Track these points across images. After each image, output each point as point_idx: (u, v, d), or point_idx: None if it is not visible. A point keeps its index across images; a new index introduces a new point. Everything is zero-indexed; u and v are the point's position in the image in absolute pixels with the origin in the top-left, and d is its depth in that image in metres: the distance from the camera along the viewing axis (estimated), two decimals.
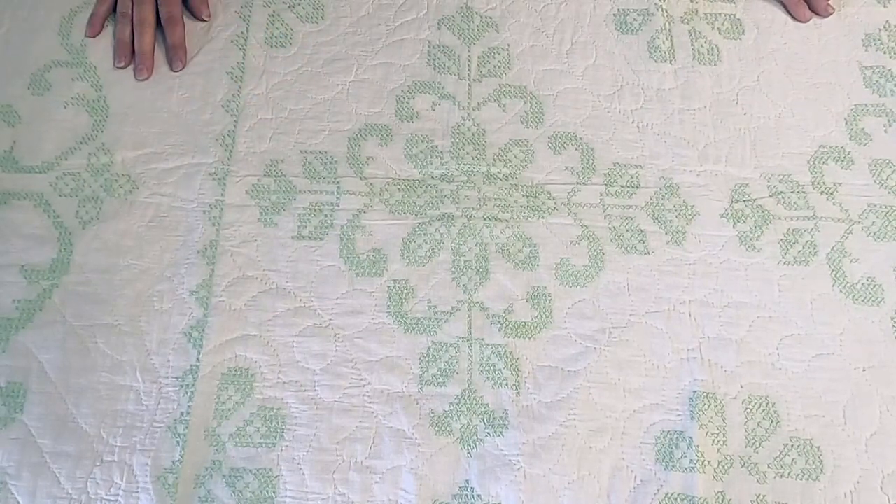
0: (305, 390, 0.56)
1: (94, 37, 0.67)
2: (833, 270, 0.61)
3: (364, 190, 0.62)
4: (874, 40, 0.70)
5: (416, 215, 0.62)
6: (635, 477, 0.54)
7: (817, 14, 0.71)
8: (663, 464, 0.54)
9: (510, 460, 0.54)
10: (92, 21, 0.68)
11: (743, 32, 0.70)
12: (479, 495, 0.53)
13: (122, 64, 0.66)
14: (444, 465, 0.54)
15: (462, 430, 0.55)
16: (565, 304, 0.59)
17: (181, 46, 0.66)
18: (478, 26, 0.70)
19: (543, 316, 0.58)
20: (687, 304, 0.59)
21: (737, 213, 0.62)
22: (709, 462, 0.54)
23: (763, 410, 0.56)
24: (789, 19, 0.71)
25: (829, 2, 0.71)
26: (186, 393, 0.55)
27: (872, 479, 0.54)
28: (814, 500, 0.53)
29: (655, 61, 0.69)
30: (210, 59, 0.67)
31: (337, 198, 0.62)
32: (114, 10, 0.68)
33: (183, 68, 0.66)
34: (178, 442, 0.54)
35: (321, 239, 0.61)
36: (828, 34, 0.71)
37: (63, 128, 0.64)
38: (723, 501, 0.53)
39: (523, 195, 0.63)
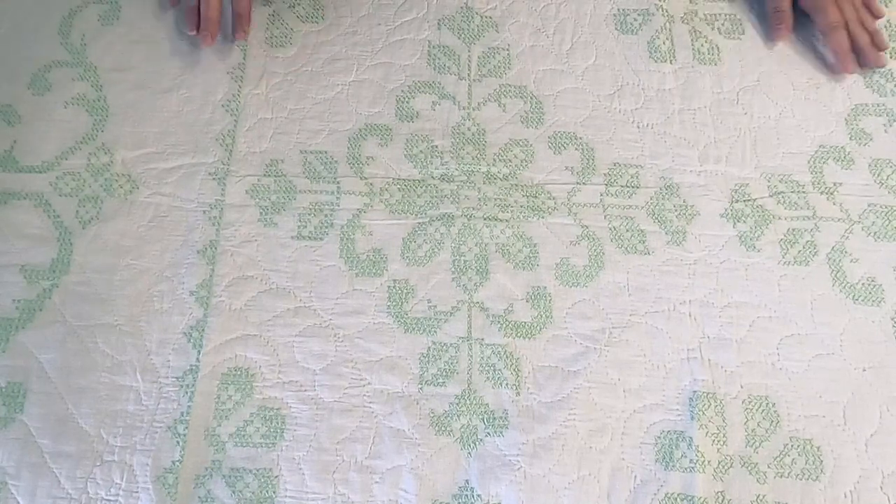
0: (305, 390, 0.56)
1: (175, 5, 0.68)
2: (833, 270, 0.61)
3: (364, 190, 0.62)
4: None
5: (416, 215, 0.62)
6: (635, 477, 0.54)
7: (866, 66, 0.69)
8: (663, 464, 0.54)
9: (510, 460, 0.54)
10: (189, 18, 0.66)
11: (743, 32, 0.70)
12: (479, 495, 0.53)
13: (194, 31, 0.65)
14: (444, 465, 0.54)
15: (462, 430, 0.55)
16: (565, 304, 0.59)
17: (246, 15, 0.66)
18: (478, 26, 0.70)
19: (543, 316, 0.58)
20: (687, 304, 0.59)
21: (737, 213, 0.62)
22: (709, 462, 0.54)
23: (763, 410, 0.56)
24: None
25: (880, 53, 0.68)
26: (186, 393, 0.55)
27: (872, 479, 0.54)
28: (814, 500, 0.53)
29: (655, 61, 0.69)
30: (210, 59, 0.67)
31: (337, 198, 0.62)
32: None
33: (245, 38, 0.66)
34: (178, 442, 0.54)
35: (321, 239, 0.61)
36: None
37: (63, 128, 0.64)
38: (723, 501, 0.53)
39: (523, 195, 0.63)
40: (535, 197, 0.63)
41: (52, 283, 0.58)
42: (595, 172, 0.64)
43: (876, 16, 0.70)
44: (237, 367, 0.56)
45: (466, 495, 0.53)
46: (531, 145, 0.65)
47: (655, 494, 0.53)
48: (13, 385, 0.55)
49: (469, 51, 0.69)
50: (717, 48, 0.70)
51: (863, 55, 0.68)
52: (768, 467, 0.54)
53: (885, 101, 0.68)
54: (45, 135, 0.63)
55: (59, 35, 0.68)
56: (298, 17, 0.70)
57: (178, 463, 0.53)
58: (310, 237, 0.61)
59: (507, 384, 0.56)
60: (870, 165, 0.65)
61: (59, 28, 0.68)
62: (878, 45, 0.69)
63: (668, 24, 0.71)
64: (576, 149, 0.65)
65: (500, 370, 0.56)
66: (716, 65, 0.69)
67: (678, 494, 0.53)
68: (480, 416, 0.55)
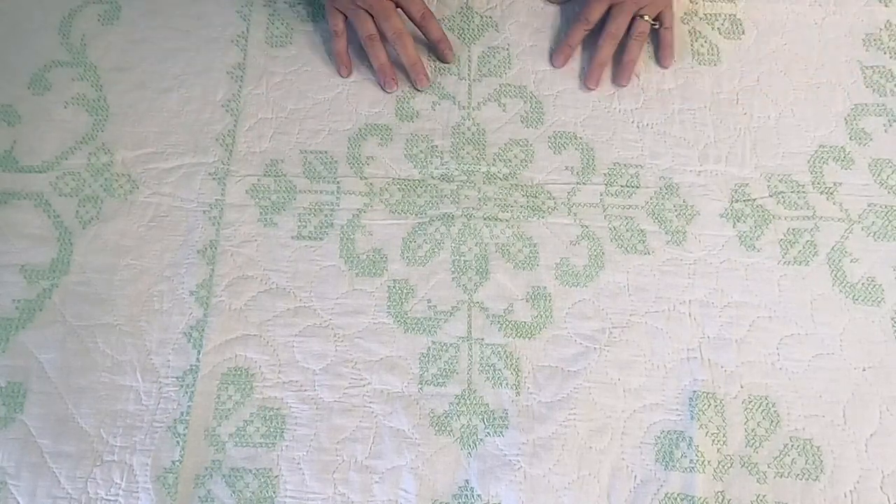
0: (305, 390, 0.56)
1: (348, 75, 0.67)
2: (833, 270, 0.61)
3: (364, 190, 0.62)
4: (874, 40, 0.70)
5: (416, 215, 0.62)
6: (635, 477, 0.54)
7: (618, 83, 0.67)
8: (663, 464, 0.54)
9: (510, 460, 0.54)
10: (339, 61, 0.66)
11: (743, 32, 0.70)
12: (479, 495, 0.53)
13: (396, 88, 0.65)
14: (444, 465, 0.54)
15: (462, 430, 0.55)
16: (565, 304, 0.59)
17: (419, 63, 0.65)
18: (478, 26, 0.70)
19: (543, 316, 0.58)
20: (687, 304, 0.59)
21: (737, 213, 0.62)
22: (709, 462, 0.54)
23: (763, 410, 0.56)
24: (789, 19, 0.71)
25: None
26: (186, 393, 0.55)
27: (872, 479, 0.54)
28: (814, 500, 0.53)
29: (655, 61, 0.69)
30: (210, 59, 0.67)
31: (337, 198, 0.62)
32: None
33: (429, 84, 0.66)
34: (178, 442, 0.54)
35: (321, 239, 0.61)
36: (828, 34, 0.71)
37: (63, 128, 0.64)
38: (723, 501, 0.53)
39: (523, 195, 0.63)
40: (535, 197, 0.63)
41: (52, 283, 0.58)
42: (595, 172, 0.64)
43: (662, 65, 0.68)
44: (237, 367, 0.56)
45: (466, 495, 0.53)
46: (531, 145, 0.65)
47: (655, 494, 0.53)
48: (13, 385, 0.55)
49: (469, 51, 0.69)
50: (717, 48, 0.70)
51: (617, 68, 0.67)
52: (768, 467, 0.54)
53: (885, 101, 0.68)
54: (45, 135, 0.63)
55: (59, 35, 0.68)
56: (298, 17, 0.70)
57: (178, 463, 0.53)
58: (310, 237, 0.61)
59: (507, 384, 0.56)
60: (870, 165, 0.65)
61: (59, 28, 0.68)
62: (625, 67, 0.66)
63: None
64: (576, 149, 0.65)
65: (500, 370, 0.56)
66: (715, 65, 0.69)
67: (678, 494, 0.53)
68: (480, 416, 0.55)
